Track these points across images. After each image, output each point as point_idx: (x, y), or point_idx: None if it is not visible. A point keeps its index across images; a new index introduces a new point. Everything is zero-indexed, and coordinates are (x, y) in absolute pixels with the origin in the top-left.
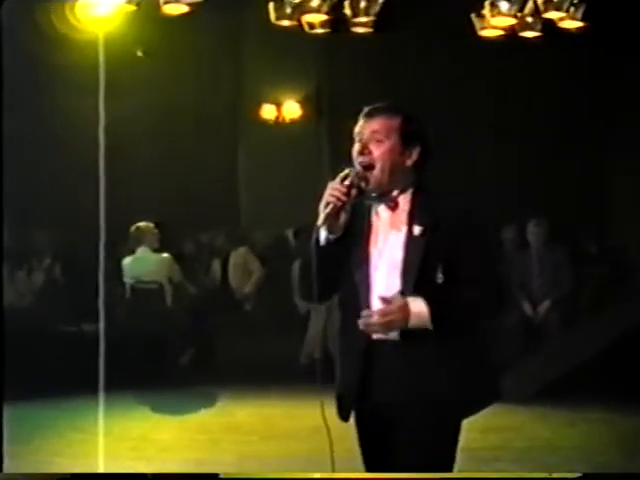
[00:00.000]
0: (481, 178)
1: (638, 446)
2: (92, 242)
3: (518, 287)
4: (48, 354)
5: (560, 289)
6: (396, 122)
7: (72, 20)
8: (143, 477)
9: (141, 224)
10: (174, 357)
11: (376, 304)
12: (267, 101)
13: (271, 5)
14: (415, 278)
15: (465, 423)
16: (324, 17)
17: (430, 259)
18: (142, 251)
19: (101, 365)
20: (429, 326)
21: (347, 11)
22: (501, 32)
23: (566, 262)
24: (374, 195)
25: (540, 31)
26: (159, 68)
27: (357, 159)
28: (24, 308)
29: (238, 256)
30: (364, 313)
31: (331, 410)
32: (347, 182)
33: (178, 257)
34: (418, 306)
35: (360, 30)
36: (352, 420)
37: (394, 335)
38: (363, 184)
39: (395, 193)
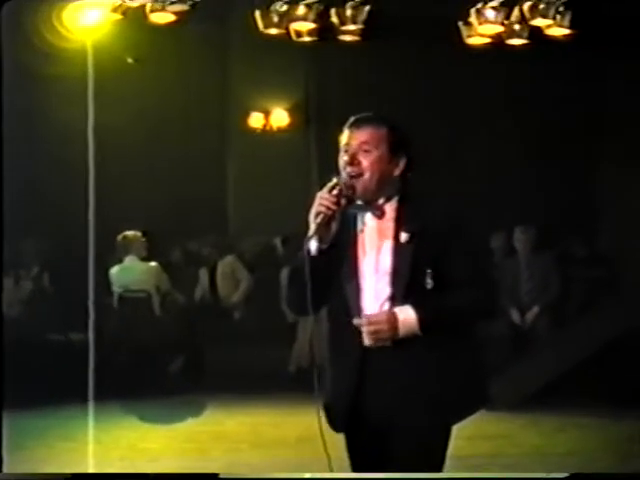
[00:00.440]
0: (468, 185)
1: (629, 450)
2: (80, 251)
3: (506, 293)
4: (37, 364)
5: (548, 295)
6: (383, 132)
7: (60, 29)
8: (145, 477)
9: (128, 233)
10: (163, 366)
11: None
12: (255, 109)
13: (258, 13)
14: (405, 285)
15: (455, 431)
16: (312, 25)
17: (419, 265)
18: (130, 260)
19: (90, 374)
20: (418, 333)
21: (334, 19)
22: (488, 40)
23: (553, 268)
24: (360, 204)
25: (527, 39)
26: (147, 77)
27: (346, 169)
28: (12, 318)
29: (226, 265)
30: (355, 321)
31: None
32: (335, 192)
33: (166, 266)
34: (406, 315)
35: (348, 38)
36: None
37: (386, 343)
38: (351, 193)
39: (381, 201)
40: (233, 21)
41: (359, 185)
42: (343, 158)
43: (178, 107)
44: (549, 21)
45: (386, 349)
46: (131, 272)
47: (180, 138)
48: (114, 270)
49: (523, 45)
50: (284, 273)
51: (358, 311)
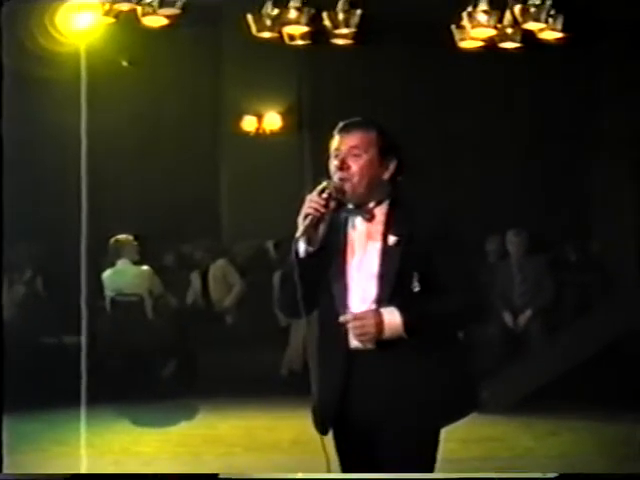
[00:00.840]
0: (461, 188)
1: (622, 453)
2: (74, 255)
3: (499, 297)
4: (30, 367)
5: (541, 298)
6: (373, 136)
7: (52, 32)
8: (145, 477)
9: (120, 236)
10: (156, 370)
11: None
12: (248, 113)
13: (250, 17)
14: (391, 288)
15: (447, 434)
16: (304, 29)
17: (406, 268)
18: (122, 263)
19: (83, 378)
20: (404, 335)
21: (327, 23)
22: (481, 43)
23: (546, 271)
24: (350, 207)
25: (520, 42)
26: (139, 80)
27: (336, 174)
28: (5, 322)
29: (217, 268)
30: (341, 318)
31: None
32: (325, 195)
33: (158, 269)
34: (392, 317)
35: (340, 42)
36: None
37: (371, 345)
38: (340, 196)
39: (371, 205)
40: (225, 24)
41: (349, 189)
42: (333, 163)
43: (171, 110)
44: (542, 25)
45: (372, 352)
46: (123, 276)
47: (173, 141)
48: (106, 274)
49: (516, 48)
50: (277, 277)
51: (345, 313)
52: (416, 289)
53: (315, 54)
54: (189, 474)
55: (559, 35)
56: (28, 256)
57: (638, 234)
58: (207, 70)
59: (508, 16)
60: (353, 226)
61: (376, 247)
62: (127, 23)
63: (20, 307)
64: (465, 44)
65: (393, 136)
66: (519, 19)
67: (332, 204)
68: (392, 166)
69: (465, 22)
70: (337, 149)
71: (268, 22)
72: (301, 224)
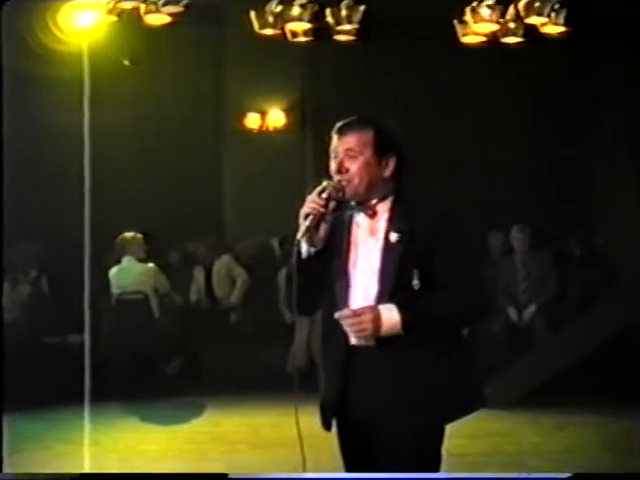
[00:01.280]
0: (463, 184)
1: (628, 449)
2: (78, 254)
3: (503, 292)
4: (35, 366)
5: (545, 293)
6: (369, 136)
7: (55, 32)
8: (152, 477)
9: (127, 234)
10: (160, 367)
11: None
12: (251, 110)
13: (253, 14)
14: (392, 285)
15: (453, 429)
16: (307, 26)
17: (407, 265)
18: (127, 261)
19: (87, 376)
20: (401, 333)
21: (329, 19)
22: (483, 38)
23: (550, 266)
24: (353, 204)
25: (522, 37)
26: (142, 78)
27: (335, 177)
28: (9, 321)
29: (222, 264)
30: (337, 315)
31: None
32: (324, 195)
33: (164, 267)
34: (390, 314)
35: (343, 38)
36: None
37: (370, 342)
38: (341, 197)
39: (374, 202)
40: (229, 22)
41: (349, 190)
42: (332, 165)
43: (174, 108)
44: (544, 19)
45: (374, 348)
46: (128, 273)
47: (176, 139)
48: (112, 271)
49: (519, 43)
50: (282, 274)
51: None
52: (416, 286)
53: (318, 51)
54: (198, 474)
55: (561, 29)
56: (33, 256)
57: None
58: (210, 67)
59: (511, 10)
60: (357, 223)
61: (378, 244)
62: (129, 21)
63: (25, 306)
64: (468, 39)
65: (391, 133)
66: (522, 13)
67: (332, 204)
68: (392, 163)
69: (468, 17)
70: (334, 151)
71: (271, 19)
72: (301, 224)
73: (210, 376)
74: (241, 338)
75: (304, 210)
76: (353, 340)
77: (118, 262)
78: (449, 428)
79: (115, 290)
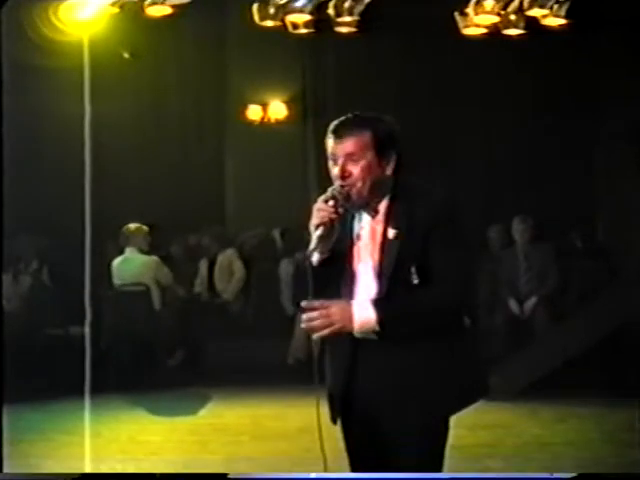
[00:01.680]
0: (464, 177)
1: (629, 441)
2: (79, 246)
3: (505, 284)
4: (36, 358)
5: (546, 285)
6: (367, 137)
7: (56, 23)
8: (152, 477)
9: (131, 225)
10: (162, 359)
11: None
12: (253, 102)
13: (255, 6)
14: (391, 281)
15: (455, 420)
16: (308, 17)
17: (405, 262)
18: (130, 252)
19: (87, 367)
20: (377, 329)
21: (331, 11)
22: (484, 30)
23: (552, 258)
24: (357, 205)
25: (523, 29)
26: (144, 70)
27: (338, 181)
28: (11, 312)
29: (224, 258)
30: (304, 304)
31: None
32: (332, 202)
33: (165, 259)
34: (364, 313)
35: (344, 30)
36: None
37: (372, 336)
38: (347, 201)
39: (376, 201)
40: (230, 14)
41: (354, 194)
42: (333, 170)
43: (176, 100)
44: (546, 11)
45: (377, 341)
46: (130, 265)
47: (178, 131)
48: (115, 263)
49: (520, 35)
50: (283, 265)
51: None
52: (415, 281)
53: (319, 43)
54: (197, 474)
55: (562, 21)
56: (34, 247)
57: None
58: (211, 59)
59: (514, 2)
60: (360, 222)
61: (377, 241)
62: (131, 13)
63: (26, 298)
64: (469, 31)
65: (389, 130)
66: (524, 5)
67: (341, 210)
68: (392, 161)
69: (470, 9)
70: (333, 155)
71: (272, 10)
72: (314, 234)
73: (212, 368)
74: (242, 330)
75: (314, 221)
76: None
77: (121, 253)
78: (450, 420)
79: (116, 281)
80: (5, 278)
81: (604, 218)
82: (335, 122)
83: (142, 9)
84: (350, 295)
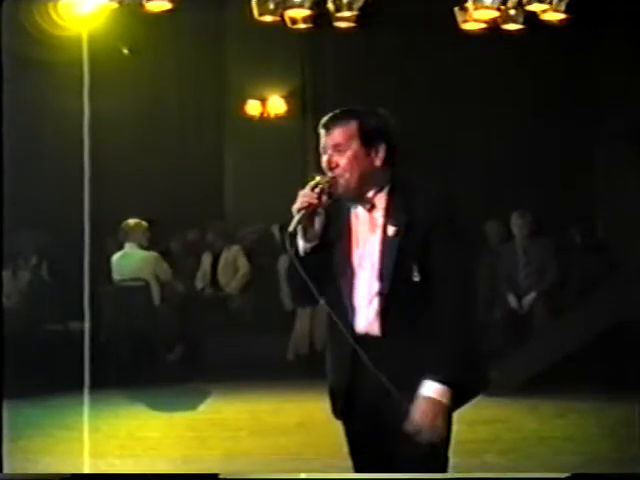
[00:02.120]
0: (466, 170)
1: (628, 435)
2: (78, 241)
3: (504, 279)
4: (36, 353)
5: (546, 280)
6: (353, 127)
7: (55, 18)
8: (143, 478)
9: (131, 220)
10: (161, 354)
11: (360, 305)
12: (252, 97)
13: (254, 0)
14: (391, 278)
15: (453, 416)
16: (306, 12)
17: (406, 259)
18: (129, 247)
19: (86, 363)
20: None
21: (330, 6)
22: (483, 25)
23: (551, 253)
24: (350, 198)
25: (523, 24)
26: (143, 65)
27: (327, 174)
28: (10, 308)
29: (229, 254)
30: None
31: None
32: (317, 189)
33: (164, 254)
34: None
35: (343, 25)
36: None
37: (376, 331)
38: (334, 191)
39: (371, 194)
40: (229, 9)
41: (342, 185)
42: (322, 162)
43: (175, 95)
44: (545, 6)
45: (379, 337)
46: (129, 260)
47: (177, 126)
48: (114, 258)
49: (519, 30)
50: (282, 261)
51: (350, 305)
52: (416, 279)
53: (318, 37)
54: (188, 474)
55: (562, 16)
56: (33, 243)
57: None
58: (210, 54)
59: None
60: (356, 216)
61: (376, 238)
62: (130, 8)
63: (25, 293)
64: (468, 26)
65: (377, 121)
66: (524, 0)
67: (324, 198)
68: (382, 152)
69: (469, 3)
70: (323, 147)
71: (271, 5)
72: (294, 219)
73: (211, 363)
74: (242, 325)
75: (296, 205)
76: (360, 329)
77: (120, 248)
78: None
79: (116, 277)
80: (4, 274)
81: (603, 213)
82: (326, 116)
83: (141, 4)
84: (349, 289)
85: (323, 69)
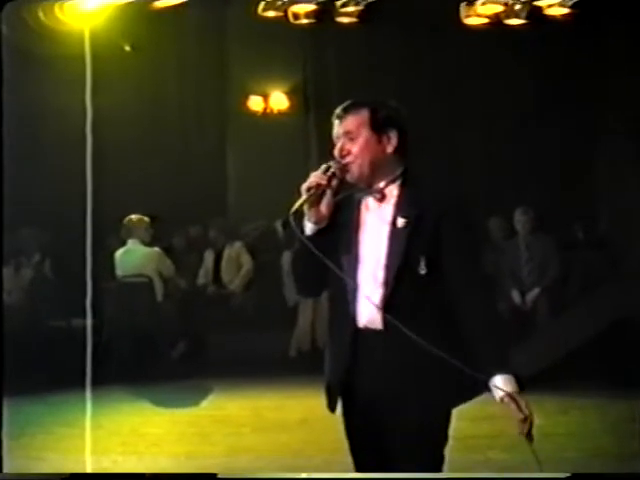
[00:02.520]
0: (469, 167)
1: (631, 431)
2: (80, 238)
3: (507, 275)
4: (38, 349)
5: (548, 276)
6: (364, 115)
7: (58, 14)
8: (141, 477)
9: (134, 216)
10: (164, 351)
11: (363, 296)
12: (254, 93)
13: None
14: (397, 270)
15: (457, 412)
16: (309, 8)
17: (413, 251)
18: (132, 244)
19: (89, 359)
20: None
21: (337, 1)
22: (487, 20)
23: (554, 249)
24: (362, 187)
25: (526, 18)
26: (146, 61)
27: (339, 161)
28: (13, 305)
29: (232, 250)
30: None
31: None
32: (329, 172)
33: (167, 251)
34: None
35: (345, 20)
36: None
37: (378, 326)
38: (346, 177)
39: (382, 184)
40: (231, 5)
41: (354, 172)
42: (335, 150)
43: (177, 91)
44: (551, 1)
45: (381, 332)
46: (132, 257)
47: (179, 122)
48: (117, 254)
49: (523, 25)
50: (285, 257)
51: (354, 295)
52: (422, 272)
53: (320, 33)
54: (187, 474)
55: (566, 11)
56: (36, 239)
57: None
58: (213, 50)
59: None
60: (366, 207)
61: (385, 229)
62: (134, 4)
63: (28, 290)
64: (471, 21)
65: (389, 110)
66: None
67: (335, 181)
68: (393, 138)
69: None
70: (336, 136)
71: (278, 2)
72: (302, 197)
73: (214, 360)
74: (244, 321)
75: (305, 184)
76: (362, 323)
77: (123, 245)
78: (452, 411)
79: (119, 273)
80: (7, 271)
81: (605, 210)
82: (339, 107)
83: (145, 1)
84: (354, 279)
85: (325, 65)
